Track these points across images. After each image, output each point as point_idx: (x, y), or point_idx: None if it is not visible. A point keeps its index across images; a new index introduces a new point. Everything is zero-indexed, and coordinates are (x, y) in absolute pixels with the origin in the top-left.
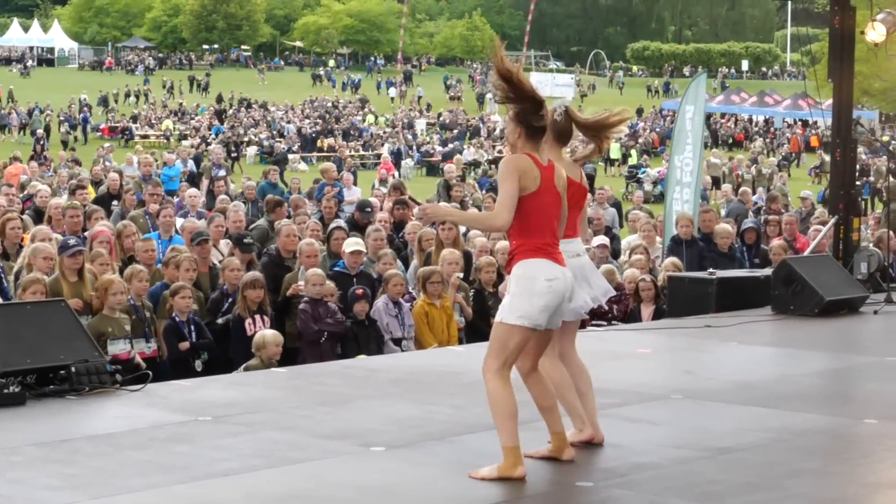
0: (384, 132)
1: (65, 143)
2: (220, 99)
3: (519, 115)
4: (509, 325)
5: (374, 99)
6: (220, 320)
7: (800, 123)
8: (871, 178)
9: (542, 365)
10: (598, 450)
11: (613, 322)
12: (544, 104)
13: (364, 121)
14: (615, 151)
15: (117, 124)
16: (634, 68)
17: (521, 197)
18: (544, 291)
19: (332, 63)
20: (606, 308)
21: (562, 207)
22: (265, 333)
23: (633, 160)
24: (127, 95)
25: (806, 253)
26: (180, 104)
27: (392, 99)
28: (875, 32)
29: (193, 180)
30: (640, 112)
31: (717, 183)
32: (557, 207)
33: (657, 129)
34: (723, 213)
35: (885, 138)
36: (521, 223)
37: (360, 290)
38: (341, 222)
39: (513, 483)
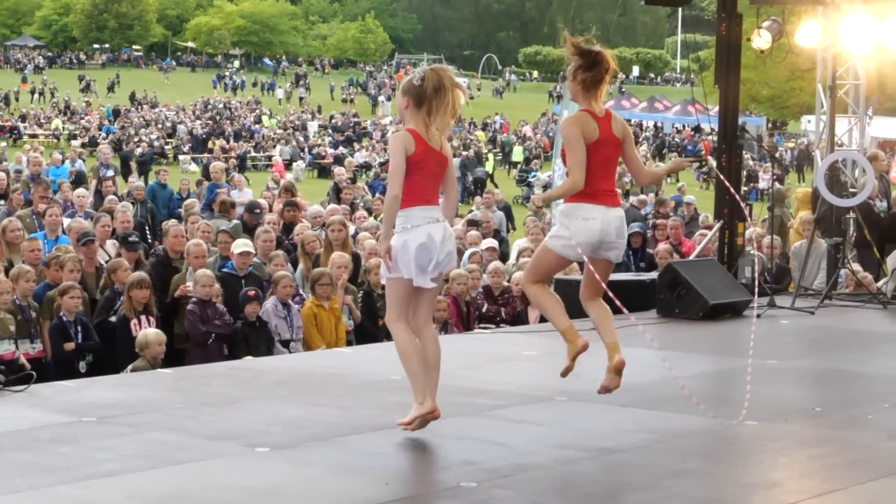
0: (275, 134)
1: None
2: (133, 97)
3: (574, 72)
4: (546, 248)
5: (266, 101)
6: (112, 318)
7: (689, 128)
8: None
9: (404, 329)
10: (483, 449)
11: (501, 325)
12: (601, 58)
13: (260, 122)
14: (517, 154)
15: (5, 123)
16: (535, 73)
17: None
18: (581, 228)
19: (236, 64)
20: (494, 311)
21: (621, 151)
22: (147, 333)
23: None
24: (33, 93)
25: (691, 257)
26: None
27: (280, 101)
28: (761, 40)
29: (81, 181)
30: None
31: None
32: (616, 153)
33: (550, 134)
34: None
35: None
36: None
37: (252, 292)
38: (228, 225)
39: (398, 482)
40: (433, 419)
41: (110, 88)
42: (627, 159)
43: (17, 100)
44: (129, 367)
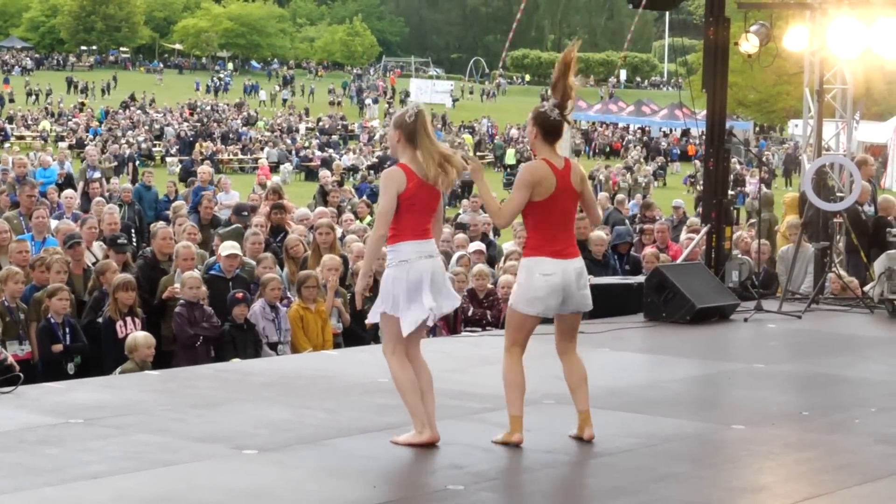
0: (262, 136)
1: None
2: (133, 98)
3: (537, 117)
4: (511, 309)
5: (251, 102)
6: (100, 319)
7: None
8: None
9: (399, 361)
10: (470, 453)
11: (486, 328)
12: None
13: (248, 124)
14: (510, 157)
15: None
16: (527, 77)
17: (537, 202)
18: (542, 285)
19: (230, 66)
20: (480, 314)
21: (577, 204)
22: (136, 336)
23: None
24: (29, 95)
25: (678, 261)
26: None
27: (262, 102)
28: (748, 44)
29: (70, 183)
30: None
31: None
32: (574, 204)
33: None
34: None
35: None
36: (535, 221)
37: (240, 294)
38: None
39: (385, 485)
40: (432, 445)
41: (105, 90)
42: (586, 205)
43: (11, 101)
44: (118, 369)
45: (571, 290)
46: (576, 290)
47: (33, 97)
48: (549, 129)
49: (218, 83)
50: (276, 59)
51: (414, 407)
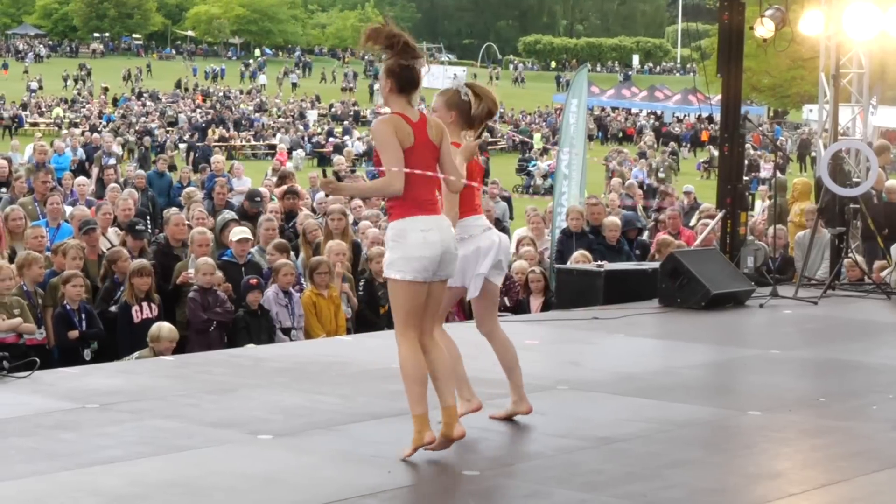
0: (275, 122)
1: None
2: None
3: (391, 68)
4: (394, 281)
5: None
6: (113, 308)
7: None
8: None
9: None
10: (484, 438)
11: (503, 313)
12: (414, 49)
13: (260, 110)
14: (538, 142)
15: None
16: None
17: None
18: (419, 243)
19: (257, 53)
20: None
21: (438, 158)
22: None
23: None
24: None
25: (692, 247)
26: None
27: (263, 86)
28: (764, 28)
29: (84, 169)
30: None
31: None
32: (433, 160)
33: (550, 124)
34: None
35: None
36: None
37: (254, 280)
38: (233, 214)
39: (399, 470)
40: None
41: (126, 78)
42: (442, 162)
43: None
44: (135, 354)
45: (449, 248)
46: (452, 249)
47: (73, 82)
48: (404, 81)
49: (216, 70)
50: (288, 46)
51: (461, 378)
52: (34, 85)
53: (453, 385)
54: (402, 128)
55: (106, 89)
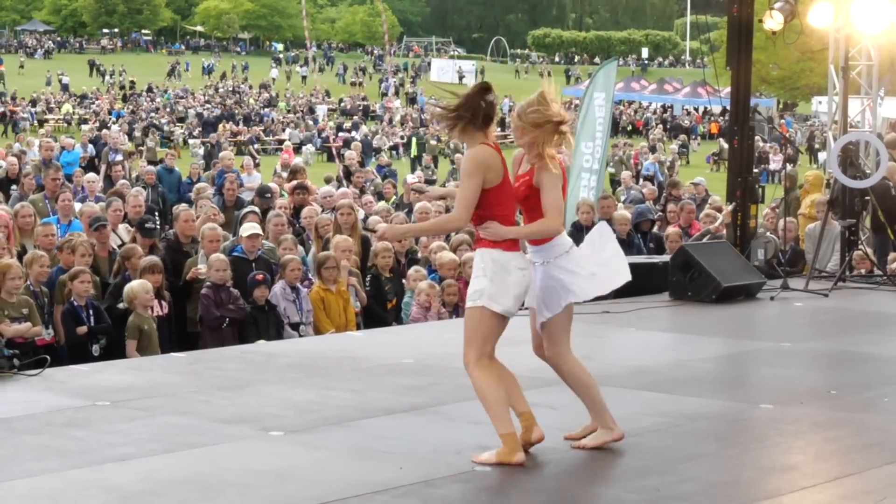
0: (284, 117)
1: None
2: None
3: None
4: (488, 311)
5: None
6: (120, 305)
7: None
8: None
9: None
10: (495, 434)
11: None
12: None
13: (270, 105)
14: None
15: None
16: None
17: (488, 189)
18: (517, 281)
19: (280, 47)
20: None
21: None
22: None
23: None
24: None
25: (692, 238)
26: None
27: (273, 80)
28: (773, 21)
29: (93, 165)
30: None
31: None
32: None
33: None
34: (622, 199)
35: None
36: (491, 211)
37: (261, 276)
38: (254, 208)
39: (411, 466)
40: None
41: (171, 73)
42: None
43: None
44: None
45: (533, 286)
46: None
47: (108, 77)
48: (486, 114)
49: (209, 65)
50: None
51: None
52: (66, 80)
53: (521, 392)
54: (495, 160)
55: (132, 83)
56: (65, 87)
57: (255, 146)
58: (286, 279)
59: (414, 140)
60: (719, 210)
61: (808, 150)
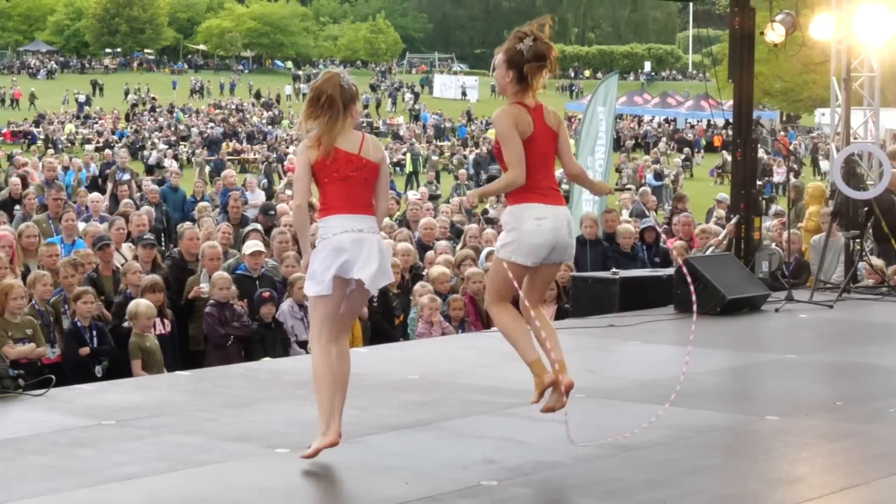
0: (287, 135)
1: None
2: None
3: (510, 60)
4: (500, 261)
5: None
6: (125, 323)
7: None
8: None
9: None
10: (502, 448)
11: None
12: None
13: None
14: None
15: (20, 128)
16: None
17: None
18: (532, 230)
19: (289, 64)
20: None
21: (557, 144)
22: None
23: None
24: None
25: (694, 251)
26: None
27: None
28: (774, 33)
29: (97, 185)
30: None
31: None
32: (553, 146)
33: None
34: (625, 213)
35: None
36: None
37: (267, 293)
38: (257, 225)
39: (418, 482)
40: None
41: (197, 90)
42: (560, 151)
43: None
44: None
45: (564, 238)
46: (567, 237)
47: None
48: (529, 69)
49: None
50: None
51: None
52: (81, 98)
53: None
54: (522, 118)
55: (154, 99)
56: (81, 106)
57: (272, 164)
58: (294, 297)
59: (409, 156)
60: (723, 225)
61: (812, 163)
